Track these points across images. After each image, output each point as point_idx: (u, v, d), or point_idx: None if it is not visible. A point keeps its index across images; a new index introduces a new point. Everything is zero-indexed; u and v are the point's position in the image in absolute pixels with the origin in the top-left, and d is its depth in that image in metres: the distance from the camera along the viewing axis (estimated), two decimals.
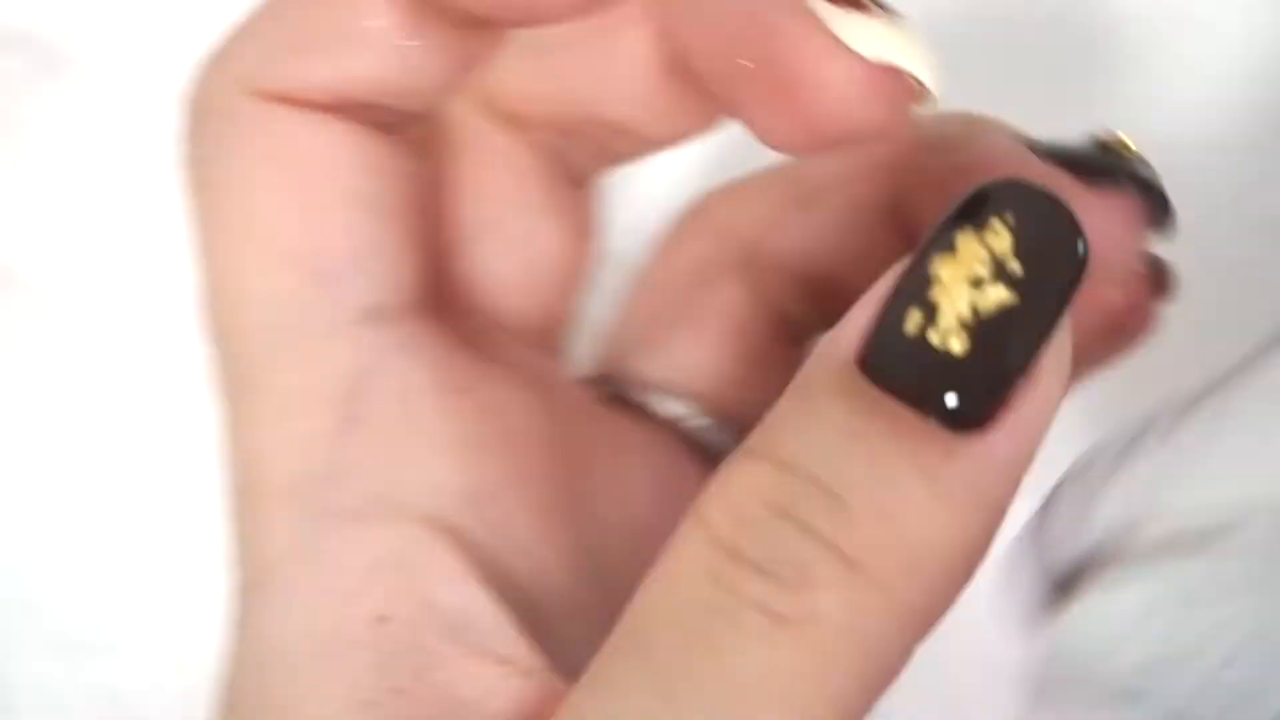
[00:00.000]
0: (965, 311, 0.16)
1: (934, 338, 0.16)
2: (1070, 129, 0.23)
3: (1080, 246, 0.17)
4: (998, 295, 0.16)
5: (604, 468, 0.25)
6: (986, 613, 0.20)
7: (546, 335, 0.26)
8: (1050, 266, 0.17)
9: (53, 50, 0.35)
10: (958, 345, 0.16)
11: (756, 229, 0.27)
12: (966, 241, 0.17)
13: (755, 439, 0.17)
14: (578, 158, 0.25)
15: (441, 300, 0.23)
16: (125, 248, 0.34)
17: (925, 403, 0.16)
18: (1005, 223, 0.17)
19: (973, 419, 0.16)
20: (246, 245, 0.22)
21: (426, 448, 0.21)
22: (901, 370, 0.16)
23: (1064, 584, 0.19)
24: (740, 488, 0.17)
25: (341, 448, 0.20)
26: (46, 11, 0.35)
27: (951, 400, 0.16)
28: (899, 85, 0.19)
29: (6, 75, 0.34)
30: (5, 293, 0.34)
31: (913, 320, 0.16)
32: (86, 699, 0.27)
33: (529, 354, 0.25)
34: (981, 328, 0.16)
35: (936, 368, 0.16)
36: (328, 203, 0.22)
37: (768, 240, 0.27)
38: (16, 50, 0.34)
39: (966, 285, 0.16)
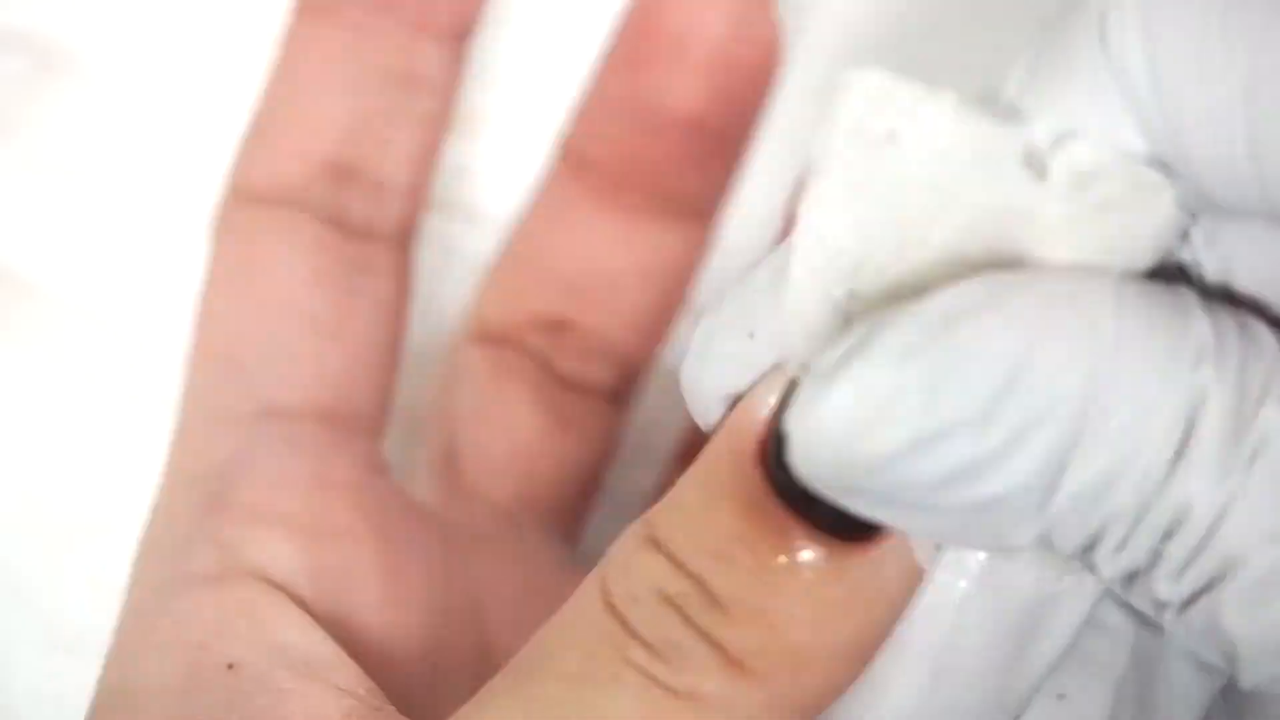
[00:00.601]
0: None
1: None
2: None
3: None
4: None
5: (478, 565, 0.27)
6: None
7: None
8: None
9: (54, 50, 0.35)
10: None
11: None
12: None
13: (657, 522, 0.18)
14: None
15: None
16: (126, 248, 0.34)
17: (816, 511, 0.16)
18: None
19: (862, 527, 0.16)
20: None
21: (283, 530, 0.23)
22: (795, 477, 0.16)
23: None
24: (638, 571, 0.17)
25: (205, 522, 0.23)
26: (47, 11, 0.35)
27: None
28: None
29: (7, 76, 0.35)
30: (5, 293, 0.34)
31: None
32: (87, 700, 0.27)
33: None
34: None
35: None
36: (256, 304, 0.25)
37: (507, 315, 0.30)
38: (17, 50, 0.35)
39: None
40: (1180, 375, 0.14)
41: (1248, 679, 0.15)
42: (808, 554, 0.17)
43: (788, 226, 0.19)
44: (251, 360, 0.24)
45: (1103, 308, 0.15)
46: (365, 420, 0.26)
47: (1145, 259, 0.16)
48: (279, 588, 0.22)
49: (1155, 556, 0.15)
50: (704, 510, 0.17)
